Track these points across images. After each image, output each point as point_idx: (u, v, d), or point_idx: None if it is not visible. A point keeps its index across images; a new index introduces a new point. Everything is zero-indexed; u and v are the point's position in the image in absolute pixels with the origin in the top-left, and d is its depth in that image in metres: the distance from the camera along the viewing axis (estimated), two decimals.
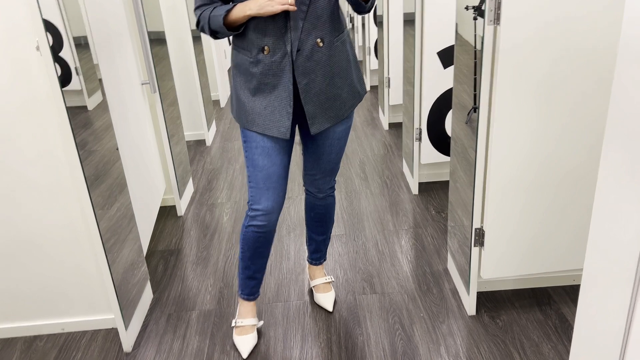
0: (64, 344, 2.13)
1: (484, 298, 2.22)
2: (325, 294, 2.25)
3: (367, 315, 2.17)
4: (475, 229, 2.00)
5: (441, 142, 3.01)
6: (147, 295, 2.34)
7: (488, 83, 1.79)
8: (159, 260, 2.66)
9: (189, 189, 3.32)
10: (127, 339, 2.07)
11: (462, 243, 2.20)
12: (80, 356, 2.06)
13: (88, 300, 2.15)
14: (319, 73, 1.69)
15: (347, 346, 2.03)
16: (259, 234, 1.89)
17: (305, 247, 2.39)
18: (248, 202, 1.88)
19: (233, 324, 2.09)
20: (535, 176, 1.88)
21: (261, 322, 2.15)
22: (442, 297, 2.25)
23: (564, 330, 2.02)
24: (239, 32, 1.69)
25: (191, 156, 3.92)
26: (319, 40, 1.66)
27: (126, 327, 2.06)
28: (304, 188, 2.13)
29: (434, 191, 3.16)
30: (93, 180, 1.95)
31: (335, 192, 3.16)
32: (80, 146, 1.88)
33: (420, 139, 3.00)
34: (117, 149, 2.16)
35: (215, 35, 1.71)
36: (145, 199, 2.59)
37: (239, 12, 1.63)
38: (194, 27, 3.76)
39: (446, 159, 3.06)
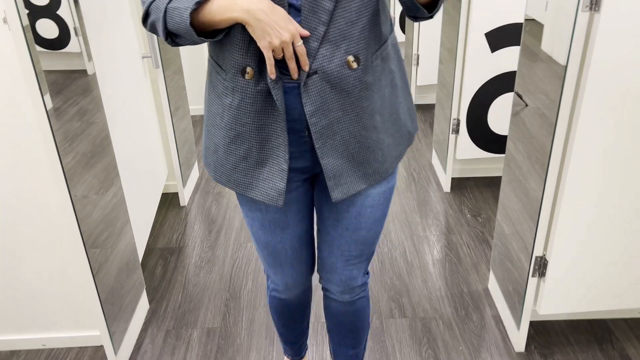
0: None
1: (533, 329, 1.90)
2: None
3: (397, 346, 1.87)
4: (536, 257, 1.66)
5: (482, 136, 2.64)
6: (143, 305, 2.04)
7: (573, 84, 1.42)
8: (157, 261, 2.35)
9: (194, 173, 2.98)
10: None
11: (505, 256, 1.88)
12: None
13: (72, 313, 1.85)
14: (348, 109, 1.05)
15: None
16: (284, 303, 1.45)
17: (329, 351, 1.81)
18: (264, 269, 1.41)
19: None
20: (620, 200, 1.54)
21: None
22: (484, 326, 1.94)
23: None
24: (216, 39, 1.02)
25: (197, 134, 3.56)
26: (351, 58, 1.01)
27: (116, 349, 1.76)
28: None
29: (467, 189, 2.81)
30: (89, 159, 1.68)
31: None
32: (79, 116, 1.62)
33: (457, 132, 2.64)
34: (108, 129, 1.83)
35: (172, 39, 1.02)
36: (144, 187, 2.26)
37: (222, 7, 0.95)
38: None
39: (485, 154, 2.70)
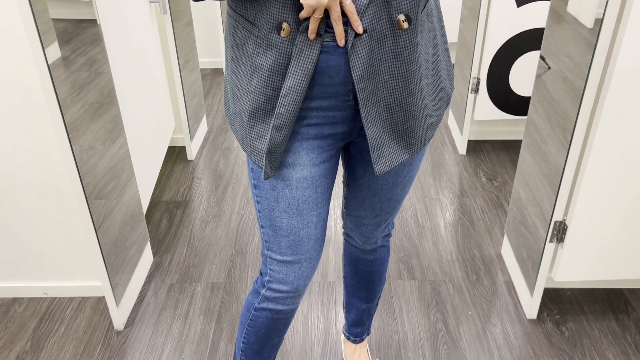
0: (46, 312, 1.81)
1: (545, 296, 1.84)
2: None
3: (404, 308, 1.82)
4: (555, 222, 1.59)
5: (502, 96, 2.53)
6: (147, 258, 2.00)
7: (605, 49, 1.31)
8: (163, 214, 2.31)
9: (202, 127, 2.91)
10: (119, 316, 1.75)
11: (520, 221, 1.81)
12: (63, 330, 1.75)
13: (75, 263, 1.82)
14: (396, 74, 0.95)
15: (379, 346, 1.69)
16: (277, 319, 1.21)
17: (342, 311, 1.69)
18: (261, 274, 1.18)
19: None
20: None
21: None
22: (495, 292, 1.88)
23: None
24: None
25: (206, 88, 3.47)
26: (401, 17, 0.90)
27: (117, 300, 1.73)
28: (341, 225, 1.44)
29: (484, 152, 2.72)
30: (97, 109, 1.64)
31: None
32: (88, 65, 1.58)
33: (477, 91, 2.53)
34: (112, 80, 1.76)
35: None
36: (149, 139, 2.20)
37: None
38: None
39: (505, 116, 2.59)
